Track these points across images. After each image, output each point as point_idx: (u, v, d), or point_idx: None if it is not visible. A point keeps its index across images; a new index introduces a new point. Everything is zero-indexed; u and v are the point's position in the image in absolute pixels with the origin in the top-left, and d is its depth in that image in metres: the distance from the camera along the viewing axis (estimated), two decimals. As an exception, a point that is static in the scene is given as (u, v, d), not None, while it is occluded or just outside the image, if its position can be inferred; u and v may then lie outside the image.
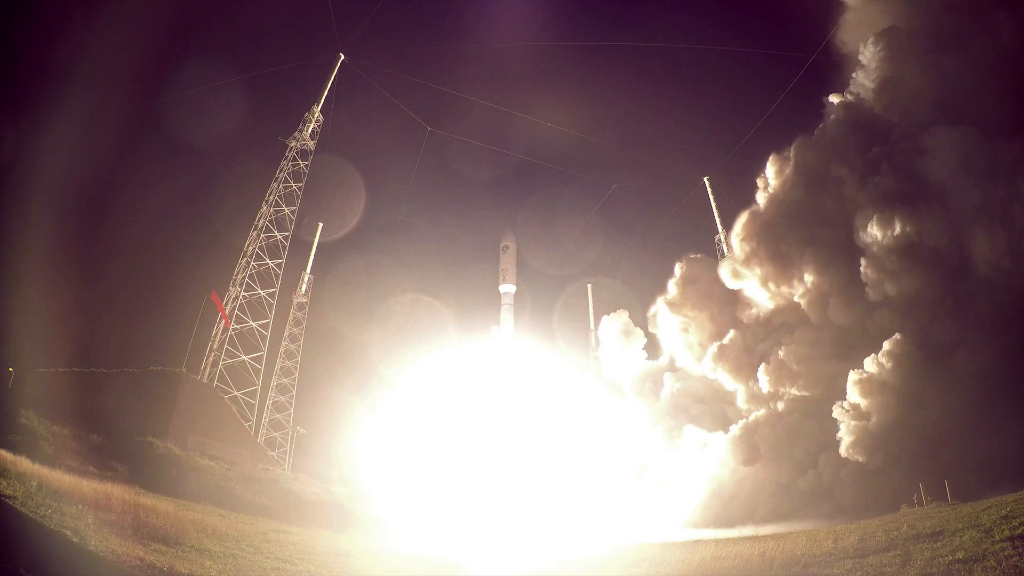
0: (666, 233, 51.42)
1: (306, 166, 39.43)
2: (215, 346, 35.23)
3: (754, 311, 33.32)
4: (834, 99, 32.35)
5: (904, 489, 22.01)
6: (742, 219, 33.13)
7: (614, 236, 55.57)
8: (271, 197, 38.45)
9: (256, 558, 12.60)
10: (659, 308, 37.41)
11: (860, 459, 24.43)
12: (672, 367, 37.73)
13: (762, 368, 29.94)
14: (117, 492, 15.12)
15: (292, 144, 39.09)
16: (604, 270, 53.39)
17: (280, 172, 38.74)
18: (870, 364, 25.46)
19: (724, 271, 33.77)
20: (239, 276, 37.00)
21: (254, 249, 37.50)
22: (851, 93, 32.16)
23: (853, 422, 25.21)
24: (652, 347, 41.04)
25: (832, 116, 31.75)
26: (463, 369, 40.66)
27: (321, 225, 45.41)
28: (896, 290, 26.16)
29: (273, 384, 41.35)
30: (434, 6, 60.64)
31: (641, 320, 40.98)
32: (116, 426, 24.86)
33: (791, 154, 32.39)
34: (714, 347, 33.06)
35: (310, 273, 44.81)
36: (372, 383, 41.20)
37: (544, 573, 15.59)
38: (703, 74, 50.80)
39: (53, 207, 29.95)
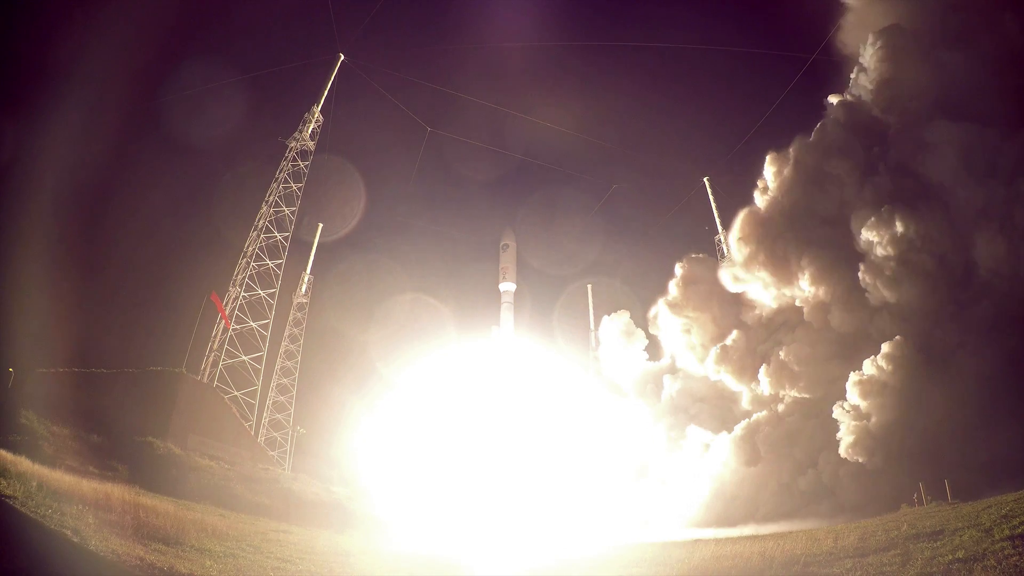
0: (666, 233, 51.46)
1: (306, 166, 39.45)
2: (215, 346, 35.23)
3: (756, 312, 33.31)
4: (833, 99, 32.36)
5: (904, 489, 22.01)
6: (740, 220, 33.11)
7: (614, 236, 55.59)
8: (271, 197, 38.46)
9: (256, 558, 12.60)
10: (660, 309, 37.42)
11: (860, 459, 24.44)
12: (673, 368, 37.73)
13: (763, 369, 29.95)
14: (117, 492, 15.11)
15: (292, 144, 39.09)
16: (604, 270, 53.49)
17: (280, 172, 38.74)
18: (869, 366, 25.47)
19: (725, 275, 33.78)
20: (239, 276, 37.00)
21: (254, 249, 37.50)
22: (851, 94, 32.14)
23: (853, 422, 25.22)
24: (652, 348, 41.12)
25: (831, 116, 31.73)
26: (463, 369, 40.68)
27: (321, 225, 45.53)
28: (896, 296, 26.16)
29: (273, 384, 41.39)
30: (434, 6, 60.58)
31: (641, 320, 41.03)
32: (116, 426, 24.86)
33: (790, 154, 32.39)
34: (716, 348, 33.05)
35: (310, 273, 44.91)
36: (372, 383, 41.28)
37: (544, 573, 15.59)
38: (703, 74, 50.71)
39: (53, 207, 29.96)
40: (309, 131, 39.35)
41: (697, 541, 18.82)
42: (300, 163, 39.26)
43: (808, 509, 25.50)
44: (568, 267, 51.69)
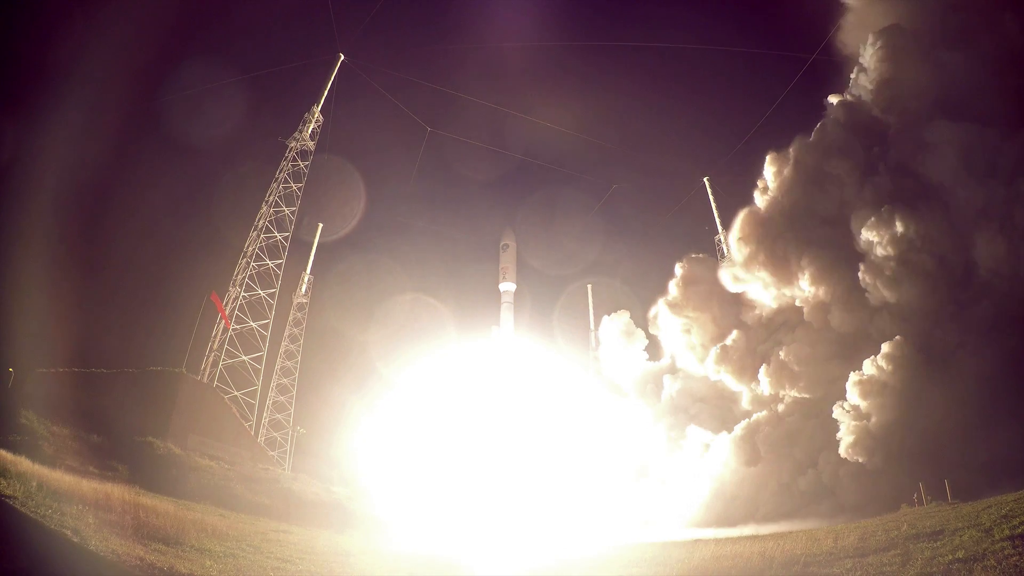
0: (666, 233, 51.46)
1: (306, 166, 39.45)
2: (215, 346, 35.23)
3: (756, 312, 33.31)
4: (833, 99, 32.34)
5: (904, 489, 22.01)
6: (739, 220, 33.09)
7: (614, 236, 55.56)
8: (271, 197, 38.46)
9: (256, 558, 12.60)
10: (660, 309, 37.41)
11: (860, 460, 24.44)
12: (673, 368, 37.72)
13: (763, 370, 29.94)
14: (117, 492, 15.10)
15: (292, 144, 39.09)
16: (604, 270, 53.47)
17: (280, 172, 38.74)
18: (869, 366, 25.47)
19: (725, 275, 33.77)
20: (239, 276, 37.00)
21: (254, 249, 37.50)
22: (851, 94, 32.13)
23: (853, 422, 25.21)
24: (652, 348, 41.12)
25: (831, 116, 31.71)
26: (463, 369, 40.69)
27: (321, 225, 45.52)
28: (896, 296, 26.15)
29: (273, 384, 41.39)
30: (434, 6, 60.54)
31: (641, 320, 41.04)
32: (116, 426, 24.85)
33: (790, 154, 32.38)
34: (716, 348, 33.03)
35: (310, 273, 44.89)
36: (372, 383, 41.29)
37: (544, 573, 15.59)
38: (703, 74, 50.72)
39: (53, 207, 29.94)
40: (309, 131, 39.35)
41: (697, 541, 18.82)
42: (300, 163, 39.27)
43: (808, 509, 25.50)
44: (568, 267, 51.76)
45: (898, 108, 29.42)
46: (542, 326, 47.35)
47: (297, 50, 60.32)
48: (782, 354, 29.57)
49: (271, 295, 37.87)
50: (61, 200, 30.53)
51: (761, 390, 30.41)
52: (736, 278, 32.90)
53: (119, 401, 26.60)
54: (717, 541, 17.71)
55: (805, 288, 29.48)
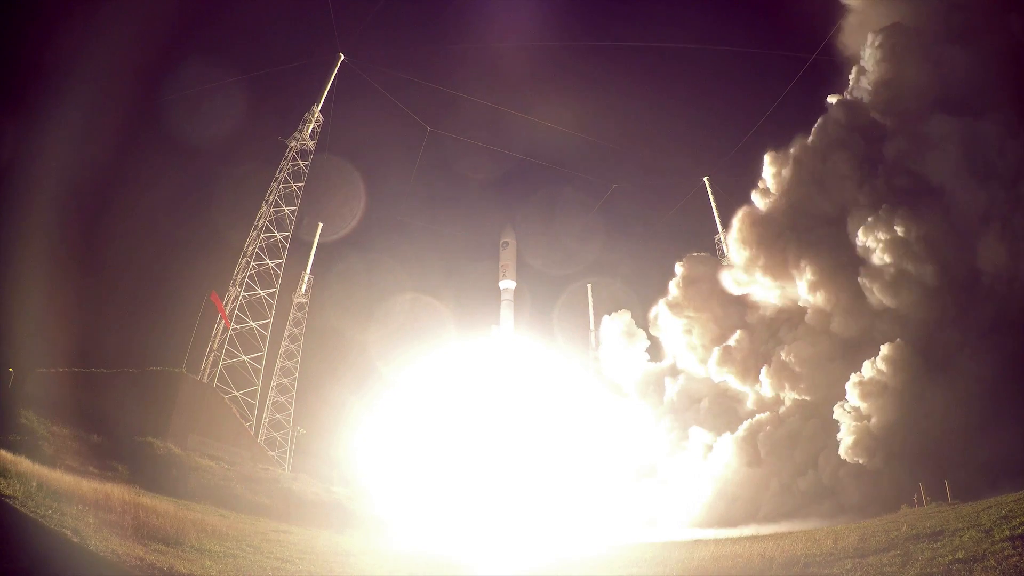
0: (666, 233, 51.46)
1: (306, 166, 39.43)
2: (215, 346, 35.22)
3: (758, 312, 33.28)
4: (833, 99, 32.30)
5: (904, 489, 22.01)
6: (738, 221, 33.05)
7: (614, 236, 55.59)
8: (271, 197, 38.45)
9: (256, 558, 12.59)
10: (660, 310, 37.39)
11: (860, 460, 24.44)
12: (674, 369, 37.69)
13: (764, 370, 29.91)
14: (117, 492, 15.10)
15: (292, 144, 39.08)
16: (604, 270, 53.49)
17: (280, 172, 38.73)
18: (868, 368, 25.46)
19: (726, 277, 33.73)
20: (239, 276, 36.99)
21: (254, 249, 37.49)
22: (851, 94, 32.09)
23: (854, 423, 25.21)
24: (653, 349, 41.14)
25: (831, 116, 31.68)
26: (463, 368, 40.69)
27: (321, 225, 45.47)
28: (896, 301, 26.14)
29: (273, 384, 41.37)
30: (434, 6, 60.65)
31: (642, 320, 41.05)
32: (116, 426, 24.83)
33: (790, 154, 32.36)
34: (718, 349, 32.98)
35: (310, 273, 44.85)
36: (372, 383, 41.29)
37: (544, 573, 15.59)
38: (703, 74, 50.75)
39: (53, 207, 29.91)
40: (309, 131, 39.34)
41: (697, 541, 18.83)
42: (300, 163, 39.26)
43: (809, 509, 25.52)
44: (568, 267, 51.76)
45: (898, 108, 29.42)
46: (542, 325, 47.45)
47: (297, 50, 60.29)
48: (783, 354, 29.56)
49: (271, 295, 37.87)
50: (61, 200, 30.52)
51: (763, 391, 30.41)
52: (738, 282, 32.93)
53: (119, 401, 26.57)
54: (717, 541, 17.71)
55: (807, 295, 29.48)
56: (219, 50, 40.46)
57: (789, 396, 29.40)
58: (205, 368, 34.46)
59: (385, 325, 45.17)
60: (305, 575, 12.05)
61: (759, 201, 33.24)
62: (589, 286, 52.52)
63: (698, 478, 30.93)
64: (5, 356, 24.82)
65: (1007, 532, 10.84)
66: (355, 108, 44.39)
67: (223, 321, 35.55)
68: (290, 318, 43.34)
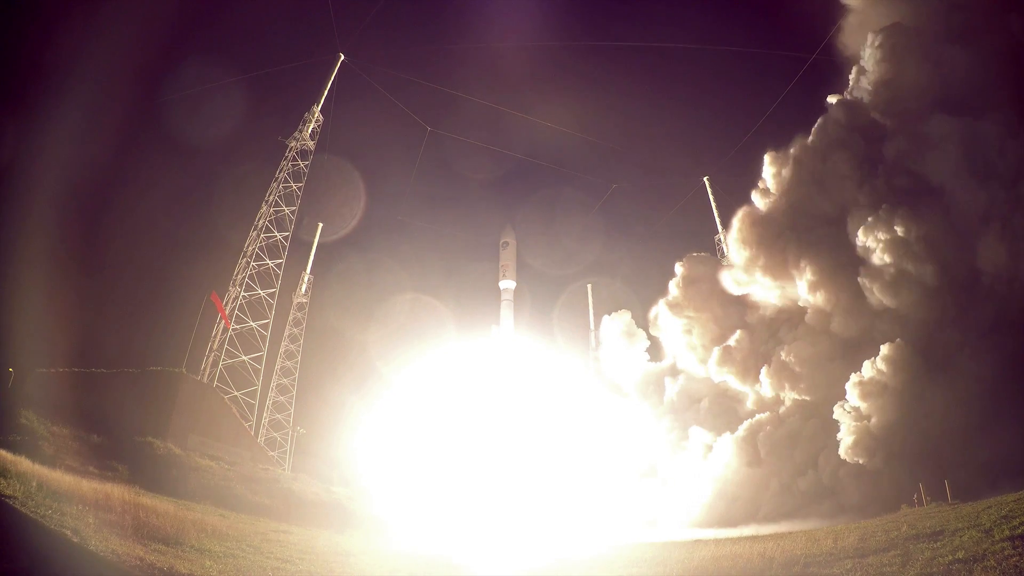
0: (666, 233, 51.49)
1: (306, 166, 39.44)
2: (215, 346, 35.22)
3: (759, 312, 33.25)
4: (833, 99, 32.27)
5: (905, 489, 22.01)
6: (738, 221, 33.01)
7: (614, 236, 55.66)
8: (271, 197, 38.45)
9: (256, 558, 12.59)
10: (660, 310, 37.37)
11: (860, 460, 24.44)
12: (674, 370, 37.66)
13: (764, 370, 29.89)
14: (117, 492, 15.09)
15: (292, 144, 39.08)
16: (604, 270, 53.51)
17: (280, 172, 38.73)
18: (868, 368, 25.45)
19: (726, 278, 33.71)
20: (239, 276, 36.99)
21: (254, 249, 37.49)
22: (851, 94, 32.06)
23: (854, 423, 25.21)
24: (653, 349, 41.12)
25: (831, 116, 31.65)
26: (463, 368, 40.69)
27: (321, 225, 45.47)
28: (895, 302, 26.13)
29: (273, 384, 41.37)
30: (434, 6, 60.71)
31: (642, 321, 41.05)
32: (116, 426, 24.83)
33: (789, 154, 32.35)
34: (719, 349, 32.95)
35: (310, 273, 44.84)
36: (372, 383, 41.30)
37: (544, 573, 15.59)
38: (703, 73, 50.80)
39: (53, 207, 29.92)
40: (309, 131, 39.34)
41: (697, 541, 18.83)
42: (300, 163, 39.26)
43: (809, 509, 25.52)
44: (568, 267, 51.78)
45: (898, 108, 29.39)
46: (542, 325, 47.47)
47: (297, 50, 60.37)
48: (783, 354, 29.55)
49: (271, 295, 37.87)
50: (61, 200, 30.52)
51: (763, 391, 30.39)
52: (738, 282, 32.91)
53: (119, 401, 26.56)
54: (717, 541, 17.72)
55: (807, 297, 29.47)
56: (219, 50, 40.53)
57: (789, 396, 29.39)
58: (205, 368, 34.46)
59: (385, 325, 45.23)
60: (305, 575, 12.05)
61: (759, 201, 33.23)
62: (589, 286, 52.58)
63: (698, 478, 30.93)
64: (5, 356, 24.82)
65: (1007, 532, 10.84)
66: (355, 108, 44.50)
67: (223, 321, 35.55)
68: (290, 318, 43.34)
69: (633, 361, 40.98)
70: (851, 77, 32.21)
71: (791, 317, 31.32)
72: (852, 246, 28.05)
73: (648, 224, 56.03)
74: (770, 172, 33.00)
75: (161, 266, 40.37)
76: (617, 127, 55.40)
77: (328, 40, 41.97)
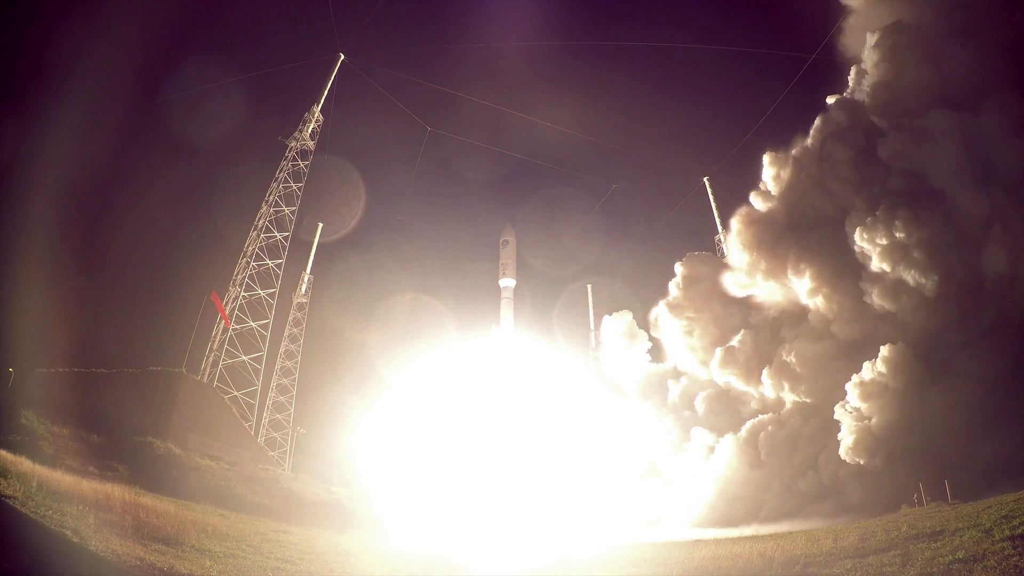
0: (666, 233, 51.49)
1: (306, 166, 39.43)
2: (215, 346, 35.22)
3: (761, 313, 33.18)
4: (833, 99, 32.18)
5: (904, 489, 22.01)
6: (738, 223, 32.92)
7: (614, 236, 55.69)
8: (271, 197, 38.45)
9: (256, 558, 12.59)
10: (661, 311, 37.32)
11: (861, 461, 24.43)
12: (676, 371, 37.60)
13: (766, 372, 29.84)
14: (117, 492, 15.09)
15: (292, 144, 39.07)
16: (604, 270, 53.52)
17: (280, 172, 38.72)
18: (868, 370, 25.43)
19: (728, 280, 33.66)
20: (239, 276, 36.99)
21: (254, 249, 37.49)
22: (851, 94, 31.98)
23: (854, 423, 25.20)
24: (654, 349, 41.10)
25: (831, 117, 31.55)
26: (463, 368, 40.70)
27: (321, 225, 45.46)
28: (896, 306, 26.08)
29: (273, 384, 41.36)
30: (434, 6, 60.74)
31: (642, 321, 41.05)
32: (116, 426, 24.83)
33: (789, 155, 32.28)
34: (721, 350, 32.87)
35: (310, 273, 44.83)
36: (372, 383, 41.30)
37: (544, 573, 15.59)
38: (703, 73, 50.81)
39: (53, 207, 29.94)
40: (309, 131, 39.33)
41: (697, 541, 18.83)
42: (300, 163, 39.25)
43: (810, 509, 25.51)
44: (568, 267, 51.80)
45: (898, 108, 29.29)
46: (542, 325, 47.48)
47: (297, 50, 60.37)
48: (783, 354, 29.51)
49: (271, 295, 37.87)
50: (61, 200, 30.54)
51: (765, 392, 30.35)
52: (739, 285, 32.87)
53: (119, 401, 26.58)
54: (717, 541, 17.72)
55: (806, 299, 29.44)
56: (219, 50, 40.54)
57: (790, 399, 29.34)
58: (205, 368, 34.46)
59: (385, 325, 45.24)
60: (305, 575, 12.05)
61: (759, 203, 33.17)
62: (589, 286, 52.60)
63: (700, 478, 30.91)
64: (5, 356, 24.83)
65: (1007, 532, 10.85)
66: (355, 108, 44.49)
67: (223, 321, 35.55)
68: (290, 318, 43.34)
69: (634, 362, 40.97)
70: (851, 77, 32.14)
71: (793, 317, 31.24)
72: (852, 249, 27.96)
73: (648, 224, 56.08)
74: (770, 174, 32.95)
75: (161, 266, 40.45)
76: (617, 127, 55.50)
77: (328, 40, 42.01)
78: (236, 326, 35.97)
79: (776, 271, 30.88)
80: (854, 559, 11.34)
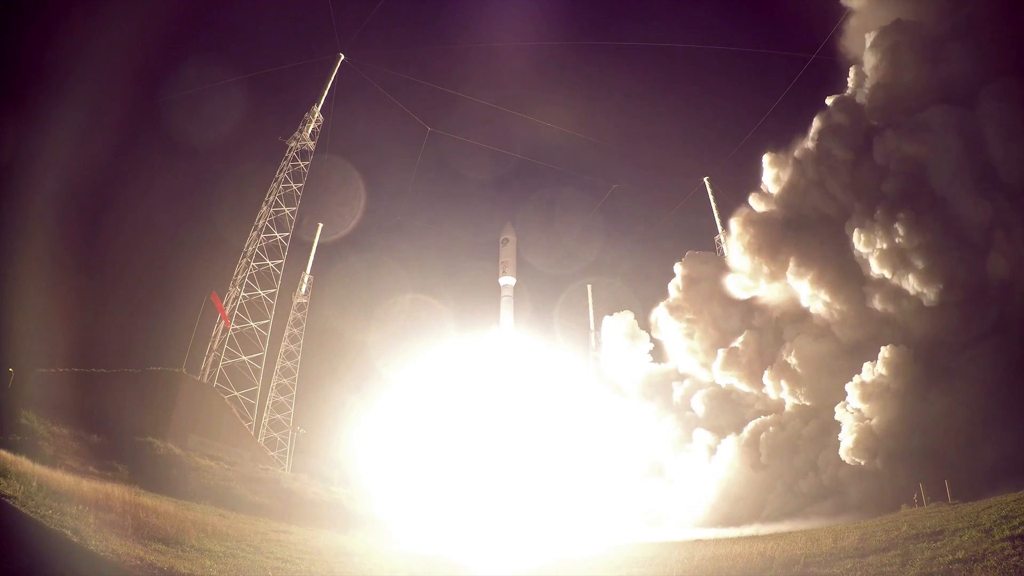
0: (666, 233, 51.46)
1: (306, 166, 39.44)
2: (215, 346, 35.23)
3: (762, 313, 33.14)
4: (833, 100, 32.12)
5: (904, 489, 22.01)
6: (738, 225, 32.86)
7: (614, 236, 55.69)
8: (271, 197, 38.45)
9: (256, 558, 12.59)
10: (661, 313, 37.27)
11: (861, 461, 24.43)
12: (678, 373, 37.55)
13: (767, 373, 29.82)
14: (117, 492, 15.09)
15: (292, 144, 39.08)
16: (604, 270, 53.52)
17: (280, 172, 38.73)
18: (868, 371, 25.41)
19: (730, 283, 33.61)
20: (239, 276, 36.99)
21: (254, 249, 37.49)
22: (851, 94, 31.92)
23: (855, 423, 25.19)
24: (655, 350, 41.09)
25: (831, 117, 31.48)
26: (463, 367, 40.71)
27: (321, 225, 45.48)
28: (897, 307, 26.05)
29: (273, 384, 41.38)
30: (434, 6, 60.76)
31: (643, 321, 41.04)
32: (116, 426, 24.84)
33: (789, 156, 32.24)
34: (723, 351, 32.83)
35: (310, 273, 44.85)
36: (372, 383, 41.31)
37: (544, 573, 15.59)
38: (703, 73, 50.79)
39: (53, 206, 29.96)
40: (309, 131, 39.33)
41: (698, 541, 18.84)
42: (300, 163, 39.26)
43: (812, 509, 25.51)
44: (568, 266, 51.81)
45: (898, 108, 29.24)
46: (542, 324, 47.49)
47: (297, 50, 60.37)
48: (784, 354, 29.48)
49: (271, 295, 37.88)
50: (61, 200, 30.58)
51: (767, 393, 30.32)
52: (743, 287, 32.83)
53: (119, 401, 26.58)
54: (718, 541, 17.73)
55: (806, 302, 29.42)
56: (219, 50, 40.59)
57: (790, 401, 29.30)
58: (205, 368, 34.46)
59: (385, 325, 45.26)
60: (305, 575, 12.05)
61: (758, 204, 33.14)
62: (589, 286, 52.60)
63: (702, 479, 30.89)
64: (5, 356, 24.82)
65: (1007, 532, 10.85)
66: (355, 108, 44.53)
67: (223, 321, 35.56)
68: (290, 318, 43.35)
69: (635, 362, 40.95)
70: (852, 76, 32.05)
71: (794, 317, 31.18)
72: (853, 250, 27.89)
73: (648, 224, 56.07)
74: (770, 175, 32.91)
75: (161, 266, 40.45)
76: (617, 127, 55.49)
77: (328, 40, 41.99)
78: (236, 326, 35.98)
79: (777, 274, 30.85)
80: (854, 559, 11.34)
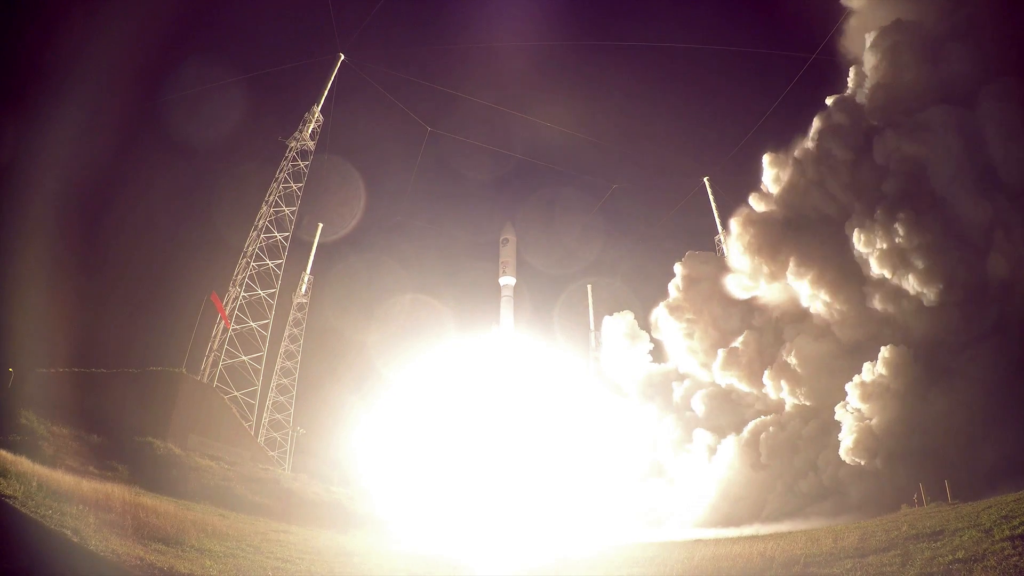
0: (666, 233, 51.45)
1: (306, 166, 39.45)
2: (215, 346, 35.24)
3: (762, 313, 33.14)
4: (833, 100, 32.11)
5: (904, 489, 22.00)
6: (738, 226, 32.86)
7: (614, 236, 55.69)
8: (271, 197, 38.45)
9: (256, 558, 12.59)
10: (661, 313, 37.28)
11: (861, 461, 24.43)
12: (678, 373, 37.55)
13: (767, 373, 29.82)
14: (117, 492, 15.10)
15: (292, 144, 39.09)
16: (604, 270, 53.51)
17: (280, 172, 38.74)
18: (868, 372, 25.41)
19: (730, 283, 33.61)
20: (239, 276, 37.00)
21: (254, 249, 37.50)
22: (851, 95, 31.91)
23: (855, 423, 25.19)
24: (655, 350, 41.10)
25: (831, 117, 31.48)
26: (463, 367, 40.71)
27: (321, 225, 45.47)
28: (897, 307, 26.04)
29: (273, 384, 41.38)
30: (434, 6, 60.75)
31: (643, 321, 41.05)
32: (116, 426, 24.85)
33: (789, 156, 32.24)
34: (723, 352, 32.83)
35: (310, 273, 44.84)
36: (372, 383, 41.32)
37: (544, 573, 15.59)
38: (703, 73, 50.77)
39: (53, 206, 29.94)
40: (309, 131, 39.34)
41: (698, 541, 18.84)
42: (300, 163, 39.26)
43: (811, 509, 25.51)
44: (568, 266, 51.80)
45: (898, 108, 29.24)
46: (542, 324, 47.49)
47: (297, 50, 60.35)
48: (784, 354, 29.48)
49: (271, 295, 37.88)
50: (61, 199, 30.54)
51: (767, 393, 30.32)
52: (744, 288, 32.82)
53: (119, 401, 26.59)
54: (717, 541, 17.73)
55: (806, 303, 29.41)
56: (219, 50, 40.57)
57: (790, 401, 29.30)
58: (205, 368, 34.47)
59: (385, 325, 45.25)
60: (305, 575, 12.05)
61: (758, 204, 33.14)
62: (589, 286, 52.59)
63: (702, 479, 30.89)
64: (5, 356, 24.82)
65: (1007, 532, 10.85)
66: (355, 108, 44.51)
67: (223, 321, 35.56)
68: (290, 318, 43.35)
69: (635, 362, 40.95)
70: (852, 76, 32.04)
71: (794, 316, 31.19)
72: (853, 250, 27.89)
73: (648, 224, 56.08)
74: (770, 175, 32.91)
75: (161, 266, 40.48)
76: (617, 127, 55.43)
77: (328, 40, 41.96)
78: (236, 326, 35.99)
79: (777, 274, 30.85)
80: (854, 559, 11.34)
